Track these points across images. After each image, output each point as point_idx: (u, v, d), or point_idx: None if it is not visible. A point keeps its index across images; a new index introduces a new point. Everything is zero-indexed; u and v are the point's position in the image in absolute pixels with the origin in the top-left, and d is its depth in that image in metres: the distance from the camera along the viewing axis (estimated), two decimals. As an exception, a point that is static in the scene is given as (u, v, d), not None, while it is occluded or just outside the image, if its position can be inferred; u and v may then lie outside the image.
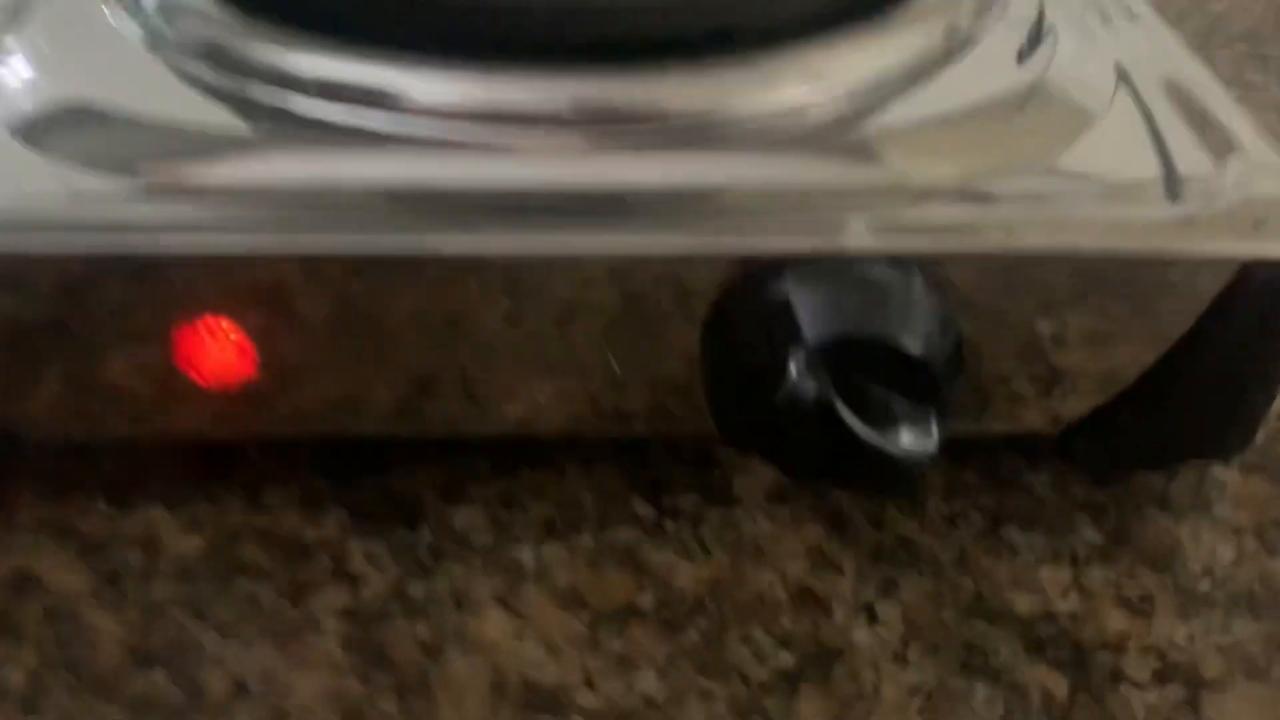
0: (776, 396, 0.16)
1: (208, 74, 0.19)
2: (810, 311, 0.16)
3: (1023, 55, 0.21)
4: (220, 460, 0.20)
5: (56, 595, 0.18)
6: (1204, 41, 0.35)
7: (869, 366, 0.16)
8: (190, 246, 0.17)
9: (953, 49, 0.20)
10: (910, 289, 0.17)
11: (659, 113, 0.18)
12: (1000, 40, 0.21)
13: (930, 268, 0.17)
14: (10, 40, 0.20)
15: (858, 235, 0.17)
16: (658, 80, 0.19)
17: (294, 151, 0.18)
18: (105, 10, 0.21)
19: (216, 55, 0.19)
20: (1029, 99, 0.20)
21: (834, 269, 0.17)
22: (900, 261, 0.17)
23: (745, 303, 0.17)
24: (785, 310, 0.16)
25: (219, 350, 0.18)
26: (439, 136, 0.18)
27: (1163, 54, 0.21)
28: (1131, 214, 0.18)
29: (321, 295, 0.17)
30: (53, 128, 0.19)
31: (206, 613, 0.18)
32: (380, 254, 0.17)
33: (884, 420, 0.16)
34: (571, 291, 0.17)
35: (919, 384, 0.16)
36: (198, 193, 0.18)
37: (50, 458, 0.20)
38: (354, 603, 0.18)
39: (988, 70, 0.20)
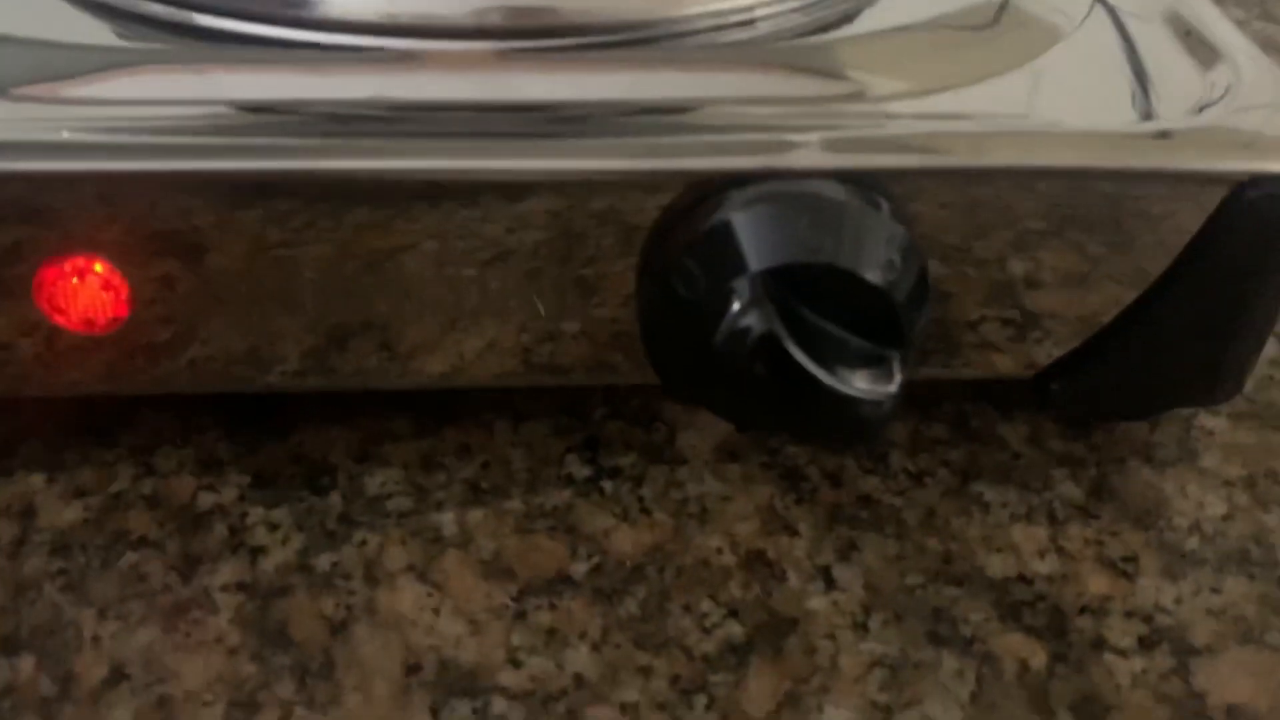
0: (718, 334, 0.14)
1: None
2: (755, 237, 0.15)
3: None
4: (107, 421, 0.18)
5: (-87, 574, 0.16)
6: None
7: (823, 299, 0.15)
8: (52, 165, 0.15)
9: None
10: (868, 212, 0.15)
11: (586, 21, 0.16)
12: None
13: (891, 188, 0.15)
14: None
15: (806, 153, 0.15)
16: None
17: (192, 67, 0.16)
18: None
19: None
20: (996, 11, 0.18)
21: (782, 190, 0.15)
22: (857, 181, 0.15)
23: (684, 229, 0.15)
24: (726, 236, 0.15)
25: (94, 294, 0.16)
26: (344, 46, 0.16)
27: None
28: (1103, 128, 0.16)
29: (216, 226, 0.15)
30: None
31: (85, 590, 0.16)
32: (282, 173, 0.15)
33: (840, 359, 0.14)
34: (493, 220, 0.15)
35: (879, 318, 0.15)
36: (67, 107, 0.15)
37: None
38: (252, 576, 0.16)
39: None
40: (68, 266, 0.15)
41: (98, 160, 0.15)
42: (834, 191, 0.15)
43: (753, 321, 0.14)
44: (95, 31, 0.17)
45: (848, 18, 0.17)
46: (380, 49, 0.16)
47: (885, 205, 0.15)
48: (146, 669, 0.15)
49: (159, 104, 0.16)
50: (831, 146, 0.15)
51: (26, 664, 0.15)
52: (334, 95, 0.16)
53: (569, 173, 0.15)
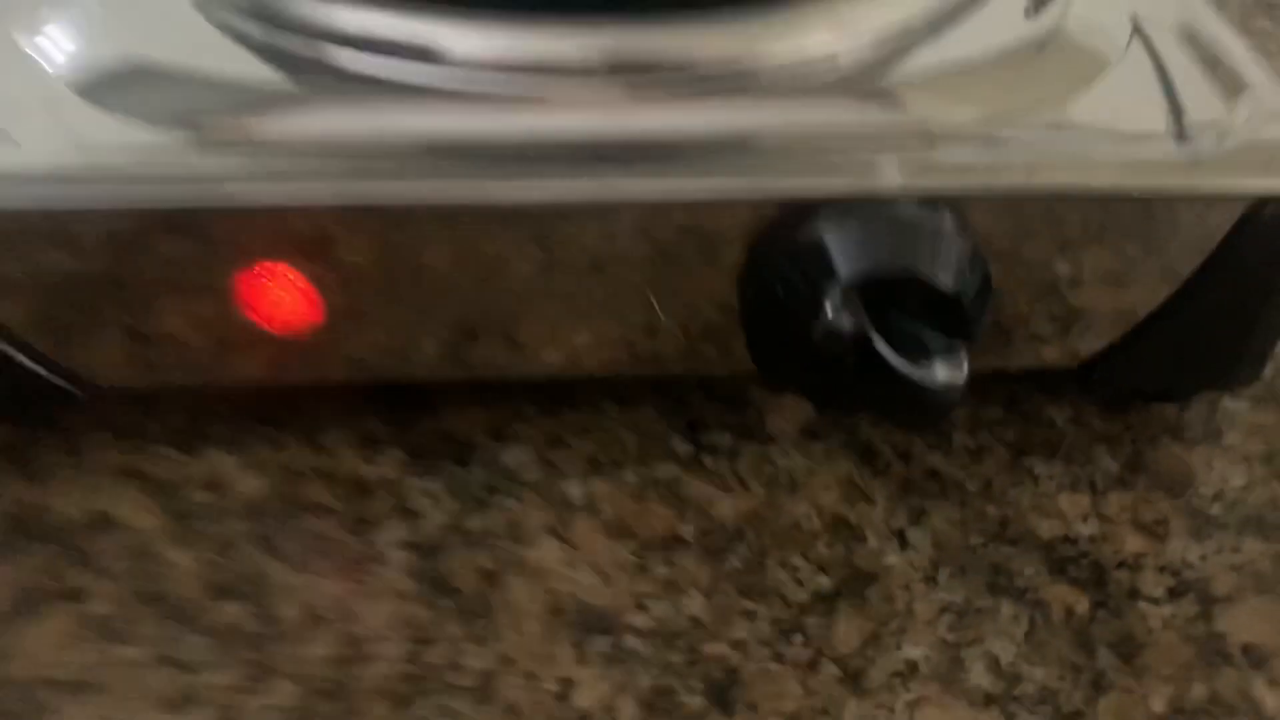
0: (814, 332, 0.17)
1: (253, 29, 0.20)
2: (843, 250, 0.17)
3: (1037, 5, 0.21)
4: (279, 404, 0.21)
5: (133, 533, 0.20)
6: (1211, -8, 0.36)
7: (901, 302, 0.17)
8: (245, 198, 0.18)
9: None
10: (938, 227, 0.18)
11: (691, 61, 0.19)
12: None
13: (955, 207, 0.18)
14: None
15: (886, 176, 0.18)
16: (690, 29, 0.19)
17: (338, 105, 0.19)
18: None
19: (260, 11, 0.20)
20: (1045, 46, 0.21)
21: (865, 209, 0.18)
22: (928, 201, 0.18)
23: (781, 244, 0.18)
24: (819, 250, 0.17)
25: (276, 295, 0.19)
26: (477, 89, 0.19)
27: (1178, 3, 0.22)
28: (1142, 154, 0.19)
29: (367, 243, 0.18)
30: (109, 84, 0.19)
31: (276, 548, 0.19)
32: (422, 203, 0.18)
33: (917, 353, 0.17)
34: (609, 237, 0.18)
35: (950, 318, 0.17)
36: (250, 145, 0.18)
37: (117, 404, 0.21)
38: (415, 536, 0.20)
39: (1005, 20, 0.21)
40: (264, 276, 0.18)
41: (278, 193, 0.18)
42: (909, 210, 0.18)
43: (845, 323, 0.17)
44: (267, 73, 0.20)
45: (915, 54, 0.20)
46: (509, 92, 0.19)
47: (952, 220, 0.18)
48: (335, 612, 0.18)
49: (330, 141, 0.18)
50: (906, 172, 0.18)
51: (233, 608, 0.19)
52: (476, 132, 0.19)
53: (677, 198, 0.18)
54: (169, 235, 0.18)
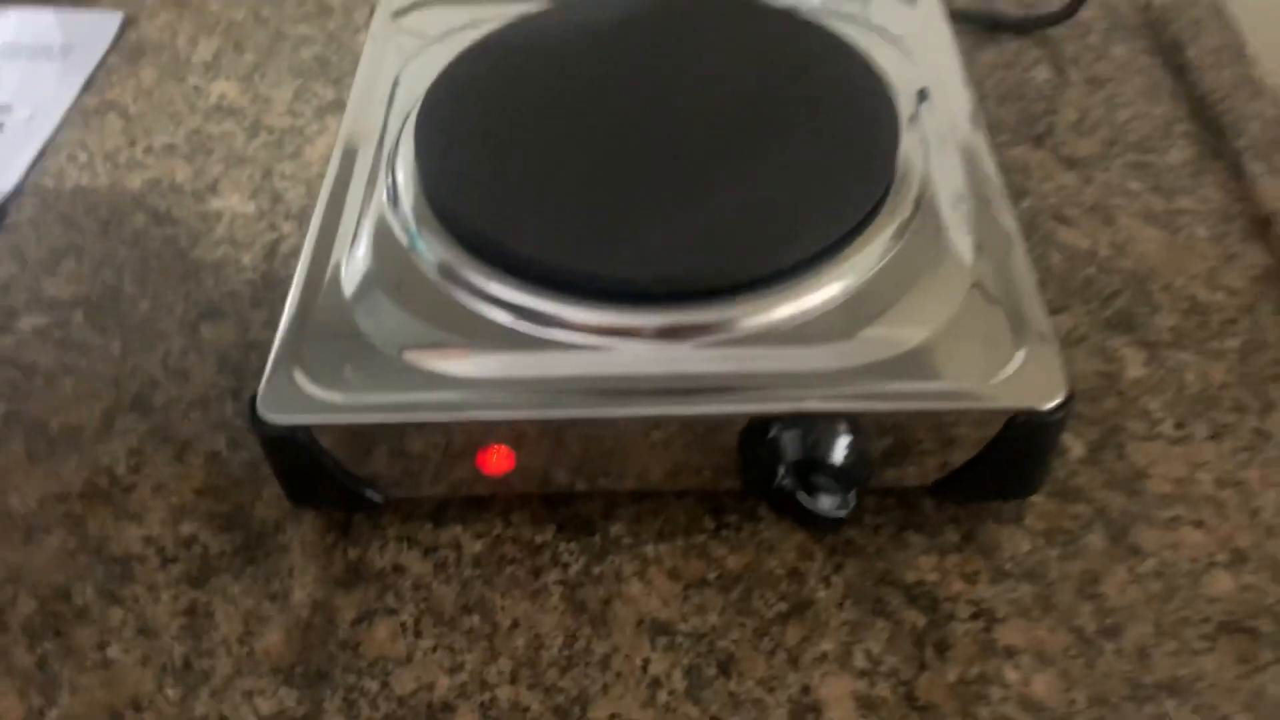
0: (772, 486, 0.33)
1: (458, 294, 0.36)
2: (790, 444, 0.33)
3: (924, 273, 0.37)
4: (492, 502, 0.38)
5: (413, 575, 0.37)
6: (1105, 151, 0.50)
7: (819, 468, 0.33)
8: (469, 418, 0.34)
9: (885, 290, 0.36)
10: (839, 430, 0.33)
11: (715, 326, 0.35)
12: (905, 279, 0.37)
13: (850, 419, 0.34)
14: (344, 263, 0.38)
15: (810, 403, 0.34)
16: (713, 308, 0.35)
17: (503, 352, 0.35)
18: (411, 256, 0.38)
19: (461, 282, 0.36)
20: (902, 305, 0.36)
21: (800, 421, 0.34)
22: (831, 416, 0.34)
23: (756, 436, 0.34)
24: (775, 444, 0.33)
25: (494, 457, 0.35)
26: (587, 344, 0.35)
27: (1012, 268, 0.37)
28: (956, 388, 0.34)
29: (535, 434, 0.35)
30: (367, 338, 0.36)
31: (491, 583, 0.36)
32: (556, 418, 0.34)
33: (827, 493, 0.33)
34: (663, 432, 0.34)
35: (843, 479, 0.33)
36: (469, 381, 0.35)
37: (402, 503, 0.38)
38: (564, 576, 0.36)
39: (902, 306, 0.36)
40: (489, 450, 0.35)
41: (486, 414, 0.34)
42: (824, 422, 0.33)
43: (788, 484, 0.33)
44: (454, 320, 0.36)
45: (831, 321, 0.35)
46: (598, 345, 0.35)
47: (846, 427, 0.34)
48: (525, 620, 0.35)
49: (507, 379, 0.35)
50: (821, 399, 0.34)
51: (474, 619, 0.36)
52: (580, 373, 0.35)
53: (704, 415, 0.34)
54: (427, 435, 0.35)
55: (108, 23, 0.60)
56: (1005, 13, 0.57)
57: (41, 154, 0.53)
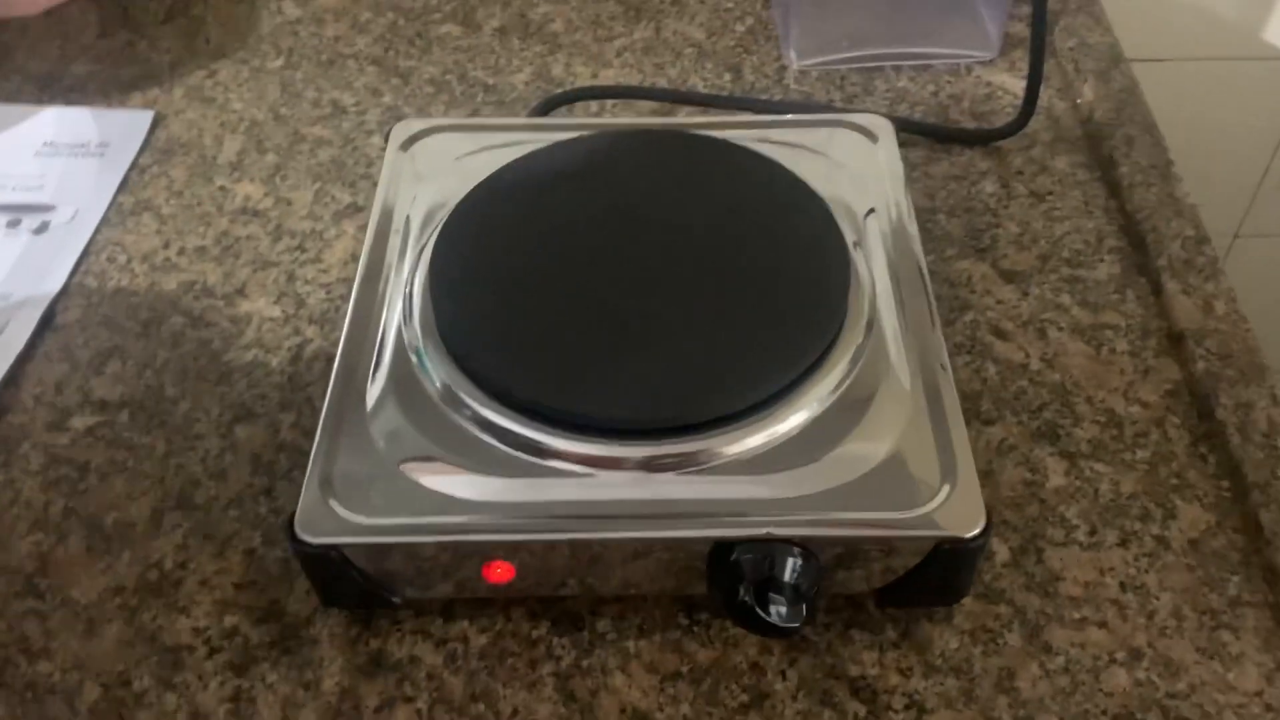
0: (736, 602, 0.39)
1: (458, 417, 0.42)
2: (750, 566, 0.39)
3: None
4: (492, 604, 0.44)
5: (428, 666, 0.43)
6: (1041, 265, 0.56)
7: (775, 585, 0.39)
8: (476, 538, 0.40)
9: (842, 415, 0.42)
10: (790, 554, 0.39)
11: (690, 458, 0.41)
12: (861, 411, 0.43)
13: (802, 544, 0.39)
14: (368, 381, 0.44)
15: (769, 529, 0.40)
16: (688, 442, 0.41)
17: (500, 476, 0.41)
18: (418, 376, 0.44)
19: (461, 406, 0.42)
20: (849, 435, 0.42)
21: (758, 545, 0.39)
22: (787, 542, 0.39)
23: (720, 558, 0.40)
24: (736, 565, 0.39)
25: (495, 569, 0.41)
26: (576, 471, 0.41)
27: (942, 399, 0.43)
28: (894, 515, 0.40)
29: (532, 551, 0.40)
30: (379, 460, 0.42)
31: (494, 673, 0.42)
32: (549, 540, 0.40)
33: (780, 606, 0.39)
34: (642, 550, 0.40)
35: (796, 595, 0.39)
36: (459, 502, 0.41)
37: (416, 602, 0.44)
38: (558, 668, 0.42)
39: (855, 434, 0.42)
40: (492, 564, 0.41)
41: (491, 536, 0.40)
42: (779, 547, 0.39)
43: (749, 600, 0.39)
44: (461, 447, 0.42)
45: (796, 451, 0.41)
46: (586, 472, 0.41)
47: (799, 551, 0.39)
48: (523, 709, 0.41)
49: (504, 502, 0.41)
50: (776, 527, 0.39)
51: (480, 706, 0.41)
52: (570, 499, 0.40)
53: (677, 538, 0.40)
54: (439, 552, 0.40)
55: (140, 121, 0.65)
56: (957, 126, 0.63)
57: (84, 254, 0.58)
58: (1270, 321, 0.60)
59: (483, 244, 0.48)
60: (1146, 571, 0.44)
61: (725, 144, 0.52)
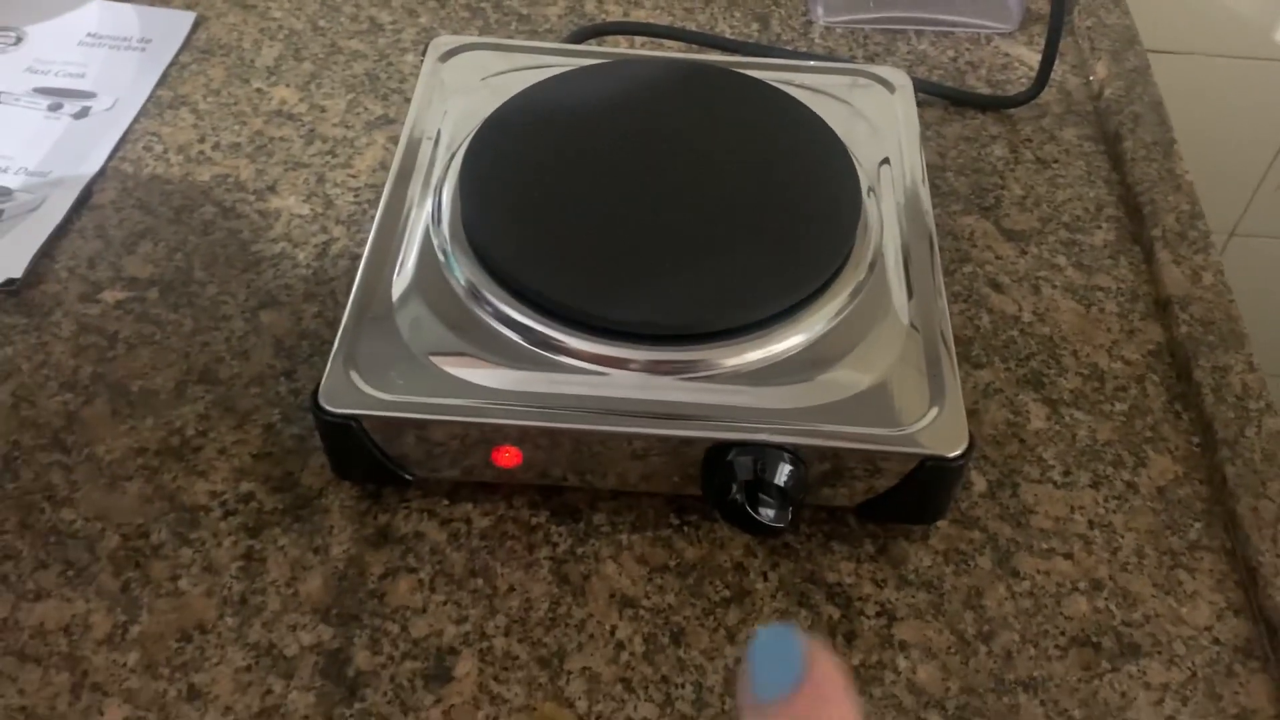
0: (727, 500, 0.42)
1: (481, 312, 0.44)
2: (742, 467, 0.42)
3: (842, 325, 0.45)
4: (499, 488, 0.46)
5: (431, 541, 0.45)
6: (1041, 227, 0.58)
7: (764, 486, 0.42)
8: (490, 422, 0.43)
9: (838, 342, 0.45)
10: (782, 457, 0.42)
11: (693, 365, 0.43)
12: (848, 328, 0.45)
13: (791, 450, 0.42)
14: (395, 273, 0.46)
15: (763, 435, 0.42)
16: (693, 350, 0.43)
17: (516, 369, 0.44)
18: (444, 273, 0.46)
19: (484, 303, 0.45)
20: (848, 357, 0.44)
21: (751, 448, 0.42)
22: (777, 447, 0.42)
23: (715, 459, 0.42)
24: (730, 466, 0.42)
25: (504, 453, 0.44)
26: (587, 369, 0.43)
27: (936, 334, 0.45)
28: (883, 431, 0.42)
29: (542, 438, 0.43)
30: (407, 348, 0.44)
31: (494, 554, 0.45)
32: (561, 427, 0.42)
33: (769, 507, 0.42)
34: (644, 446, 0.43)
35: (785, 497, 0.42)
36: (488, 390, 0.43)
37: (425, 482, 0.46)
38: (553, 554, 0.45)
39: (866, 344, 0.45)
40: (501, 449, 0.43)
41: (502, 421, 0.43)
42: (772, 452, 0.42)
43: (739, 499, 0.41)
44: (482, 338, 0.44)
45: (797, 363, 0.44)
46: (596, 370, 0.43)
47: (789, 456, 0.42)
48: (519, 587, 0.44)
49: (523, 392, 0.43)
50: (770, 432, 0.42)
51: (479, 580, 0.44)
52: (583, 394, 0.43)
53: (676, 436, 0.42)
54: (452, 432, 0.43)
55: (181, 21, 0.67)
56: (973, 91, 0.65)
57: (122, 141, 0.60)
58: (1258, 318, 0.62)
59: (512, 154, 0.50)
60: (1114, 512, 0.47)
61: (752, 80, 0.54)
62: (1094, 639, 0.43)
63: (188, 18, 0.67)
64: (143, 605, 0.43)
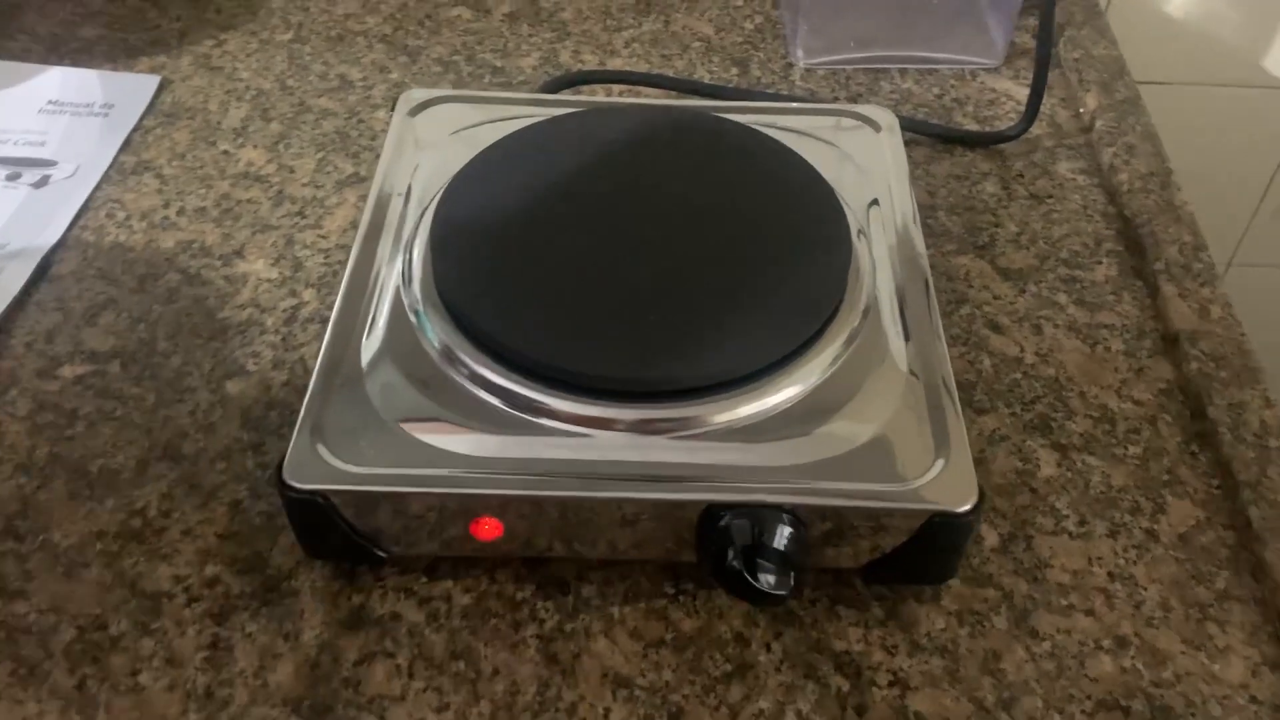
0: (724, 566, 0.39)
1: (457, 375, 0.42)
2: (739, 531, 0.39)
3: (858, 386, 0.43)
4: (479, 562, 0.44)
5: (409, 623, 0.42)
6: (1039, 264, 0.56)
7: (764, 552, 0.39)
8: (468, 492, 0.40)
9: (835, 393, 0.42)
10: (781, 521, 0.39)
11: (683, 422, 0.41)
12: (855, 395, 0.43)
13: (790, 511, 0.39)
14: (364, 337, 0.43)
15: (759, 495, 0.39)
16: (682, 407, 0.41)
17: (495, 434, 0.41)
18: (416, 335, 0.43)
19: (459, 365, 0.42)
20: (845, 411, 0.42)
21: (749, 512, 0.39)
22: (775, 508, 0.39)
23: (710, 523, 0.39)
24: (726, 530, 0.39)
25: (484, 525, 0.41)
26: (570, 431, 0.41)
27: (938, 380, 0.43)
28: (887, 487, 0.40)
29: (523, 508, 0.40)
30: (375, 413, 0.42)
31: (477, 633, 0.42)
32: (541, 496, 0.40)
33: (769, 573, 0.39)
34: (633, 512, 0.40)
35: (784, 563, 0.39)
36: (464, 458, 0.40)
37: (401, 558, 0.43)
38: (540, 631, 0.42)
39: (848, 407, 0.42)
40: (481, 520, 0.40)
41: (482, 490, 0.40)
42: (768, 513, 0.39)
43: (737, 565, 0.39)
44: (456, 401, 0.41)
45: (783, 420, 0.41)
46: (580, 432, 0.41)
47: (789, 518, 0.39)
48: (503, 669, 0.41)
49: (502, 458, 0.40)
50: (768, 493, 0.39)
51: (460, 664, 0.41)
52: (565, 458, 0.40)
53: (667, 500, 0.40)
54: (427, 504, 0.40)
55: (146, 85, 0.65)
56: (961, 127, 0.63)
57: (83, 209, 0.58)
58: (1262, 350, 0.60)
59: (485, 208, 0.48)
60: (1135, 563, 0.44)
61: (733, 125, 0.52)
62: (1123, 702, 0.40)
63: (152, 81, 0.66)
64: (100, 704, 0.40)
